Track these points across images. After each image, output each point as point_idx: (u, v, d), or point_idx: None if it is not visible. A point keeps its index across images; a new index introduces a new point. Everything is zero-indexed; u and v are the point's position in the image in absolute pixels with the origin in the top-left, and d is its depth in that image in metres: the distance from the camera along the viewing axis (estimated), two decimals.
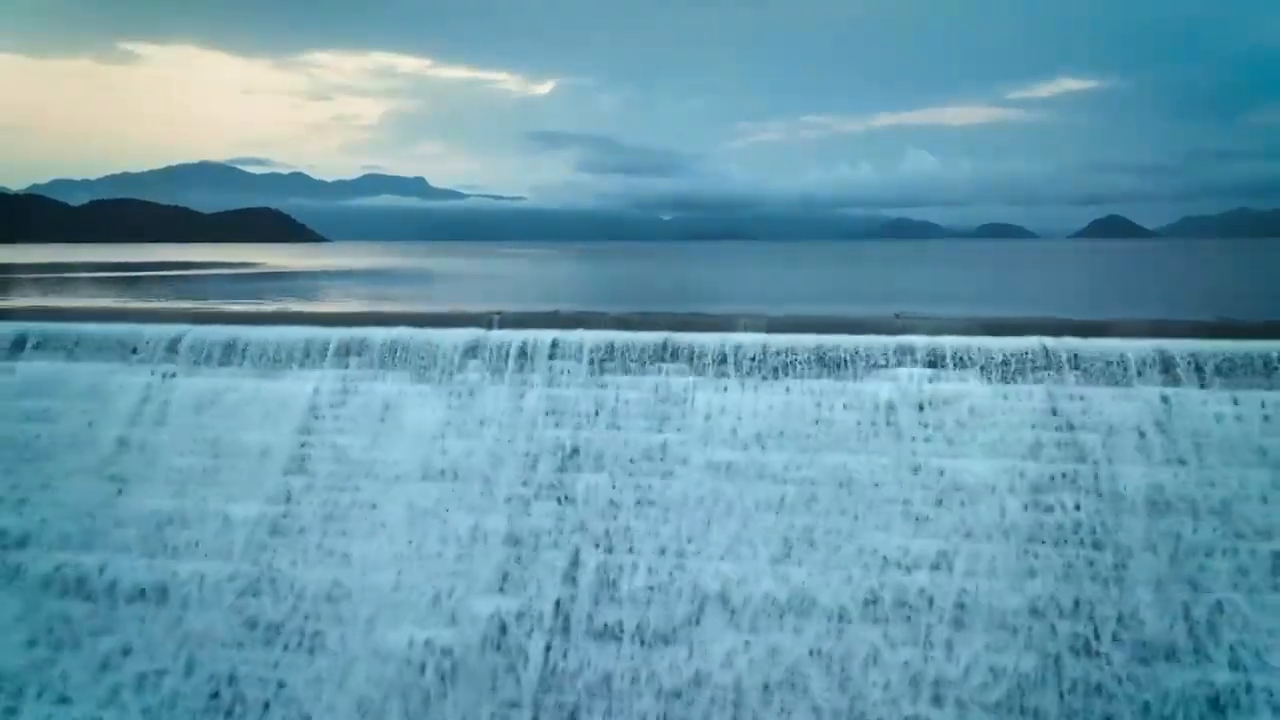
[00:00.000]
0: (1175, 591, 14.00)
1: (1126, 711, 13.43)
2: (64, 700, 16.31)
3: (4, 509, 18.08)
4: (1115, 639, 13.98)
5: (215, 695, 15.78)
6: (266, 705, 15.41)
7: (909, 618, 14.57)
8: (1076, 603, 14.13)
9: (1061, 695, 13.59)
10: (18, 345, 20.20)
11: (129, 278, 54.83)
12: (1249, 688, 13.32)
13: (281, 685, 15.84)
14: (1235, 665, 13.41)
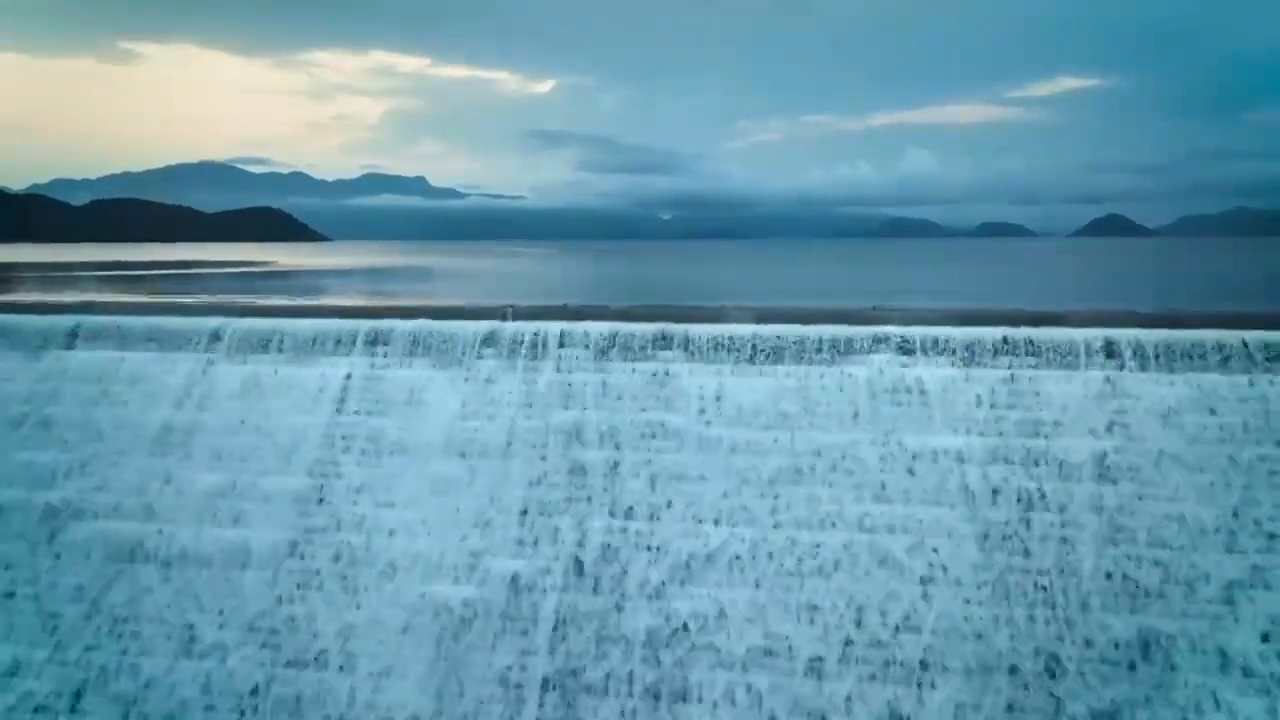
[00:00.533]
0: (1112, 546, 15.88)
1: (1070, 649, 15.30)
2: (125, 651, 18.19)
3: (65, 483, 19.97)
4: (1062, 590, 15.85)
5: (264, 646, 17.67)
6: (317, 656, 17.29)
7: (884, 572, 16.45)
8: (1027, 553, 16.02)
9: (1011, 636, 15.47)
10: (71, 336, 22.11)
11: (147, 276, 56.71)
12: (1172, 632, 15.19)
13: (315, 636, 17.73)
14: (1163, 610, 15.28)
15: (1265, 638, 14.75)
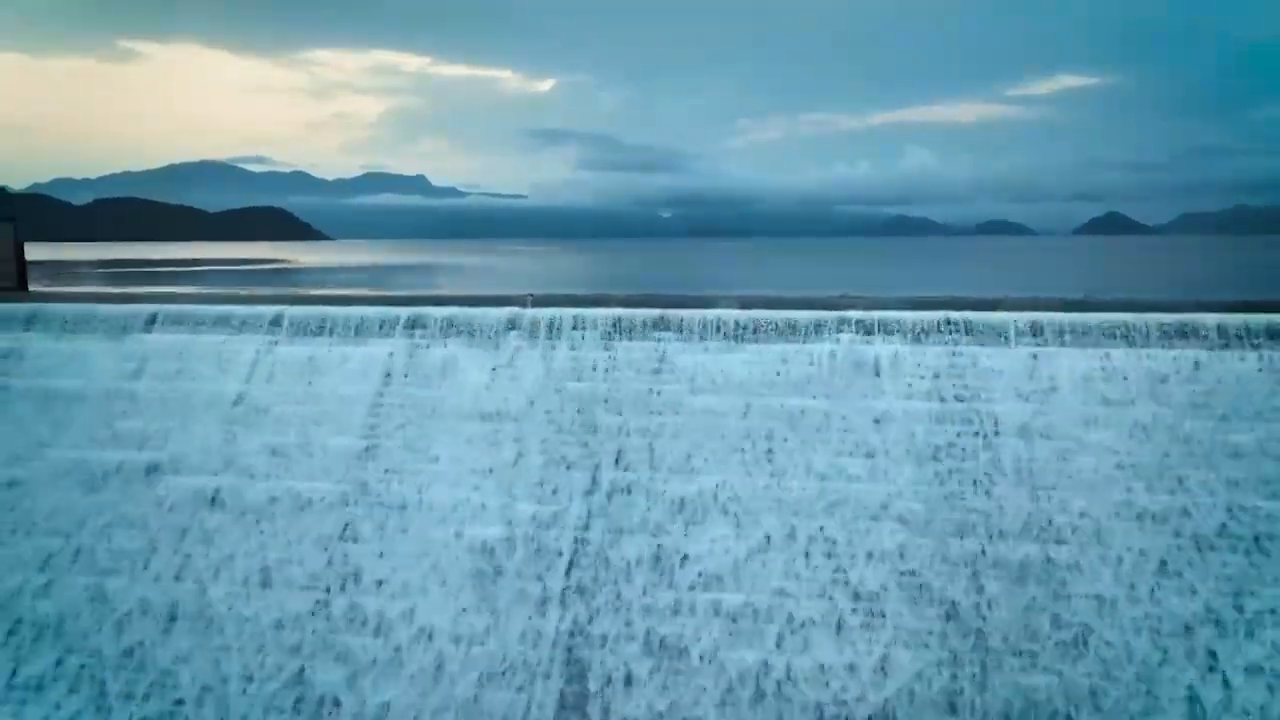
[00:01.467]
0: (1029, 490, 19.34)
1: (991, 572, 18.75)
2: (203, 590, 21.60)
3: (151, 445, 23.43)
4: (987, 528, 19.30)
5: (325, 575, 21.11)
6: (378, 583, 20.75)
7: (847, 511, 19.89)
8: (961, 496, 19.48)
9: (945, 558, 18.92)
10: (150, 321, 25.61)
11: (177, 273, 60.22)
12: (1078, 561, 18.64)
13: (357, 576, 21.16)
14: (1066, 539, 18.74)
15: (1130, 548, 18.20)
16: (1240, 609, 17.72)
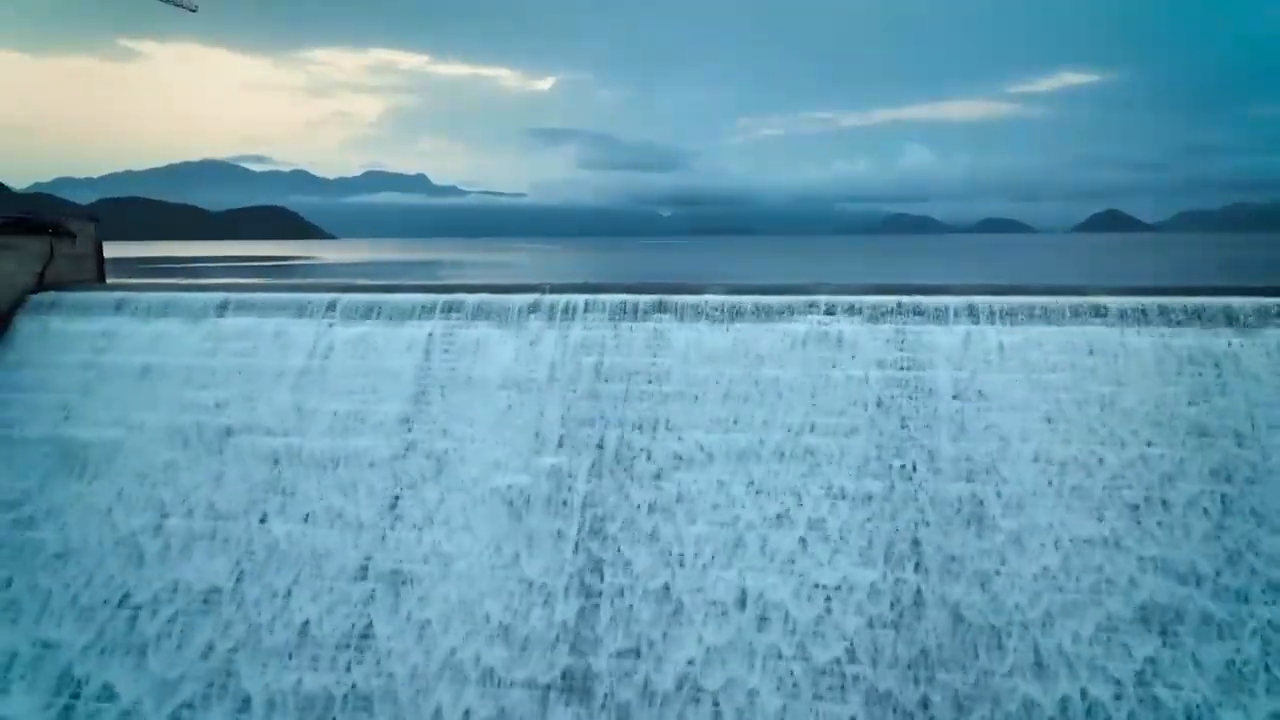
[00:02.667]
0: (961, 443, 23.61)
1: (933, 513, 23.01)
2: (271, 529, 25.86)
3: (228, 411, 27.72)
4: (929, 469, 23.56)
5: (381, 520, 25.39)
6: (425, 520, 25.04)
7: (812, 458, 24.15)
8: (901, 448, 23.77)
9: (888, 499, 23.21)
10: (221, 308, 29.92)
11: (198, 268, 64.43)
12: (999, 495, 22.90)
13: (406, 516, 25.44)
14: (984, 471, 23.01)
15: (1050, 483, 22.49)
16: (1138, 521, 21.99)
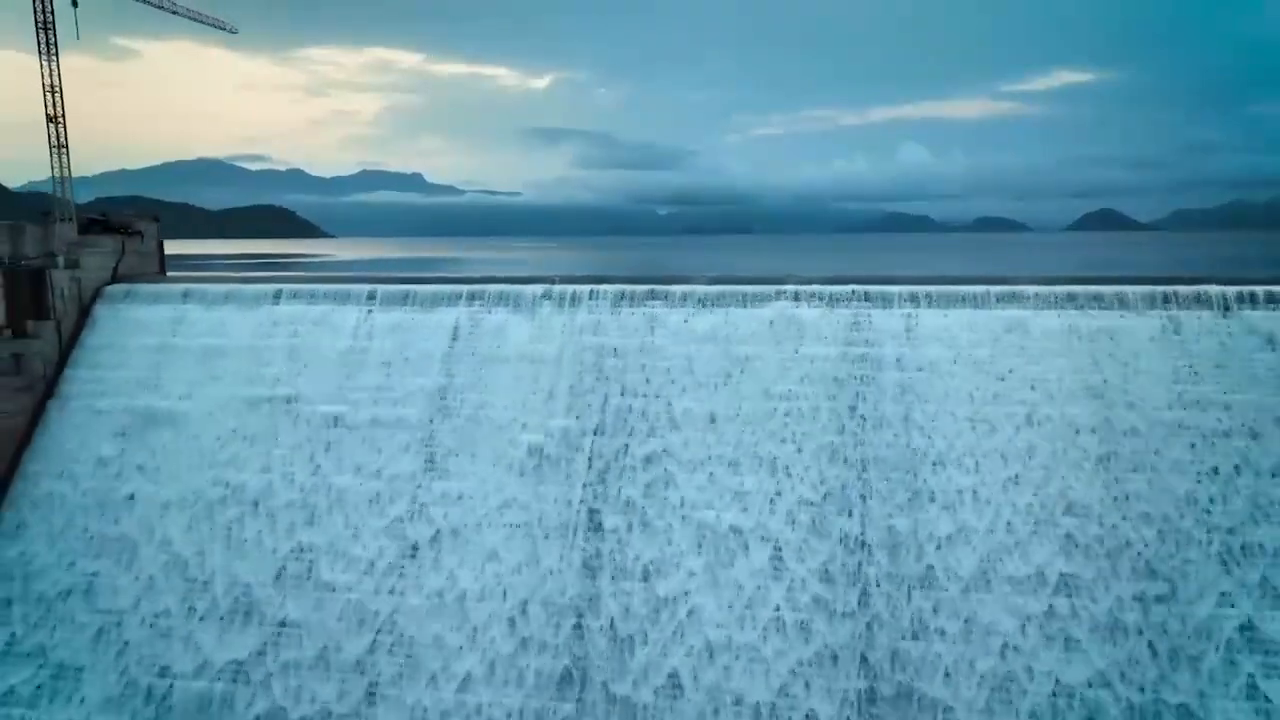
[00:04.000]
0: (902, 405, 28.55)
1: (869, 445, 27.93)
2: (328, 479, 30.69)
3: (286, 382, 32.52)
4: (875, 423, 28.48)
5: (417, 473, 30.24)
6: (455, 471, 29.91)
7: (784, 419, 29.03)
8: (854, 408, 28.69)
9: (841, 449, 28.14)
10: (276, 296, 34.76)
11: (214, 264, 69.19)
12: (930, 440, 27.82)
13: (449, 466, 30.30)
14: (923, 431, 27.94)
15: (972, 428, 27.42)
16: (1040, 459, 26.95)
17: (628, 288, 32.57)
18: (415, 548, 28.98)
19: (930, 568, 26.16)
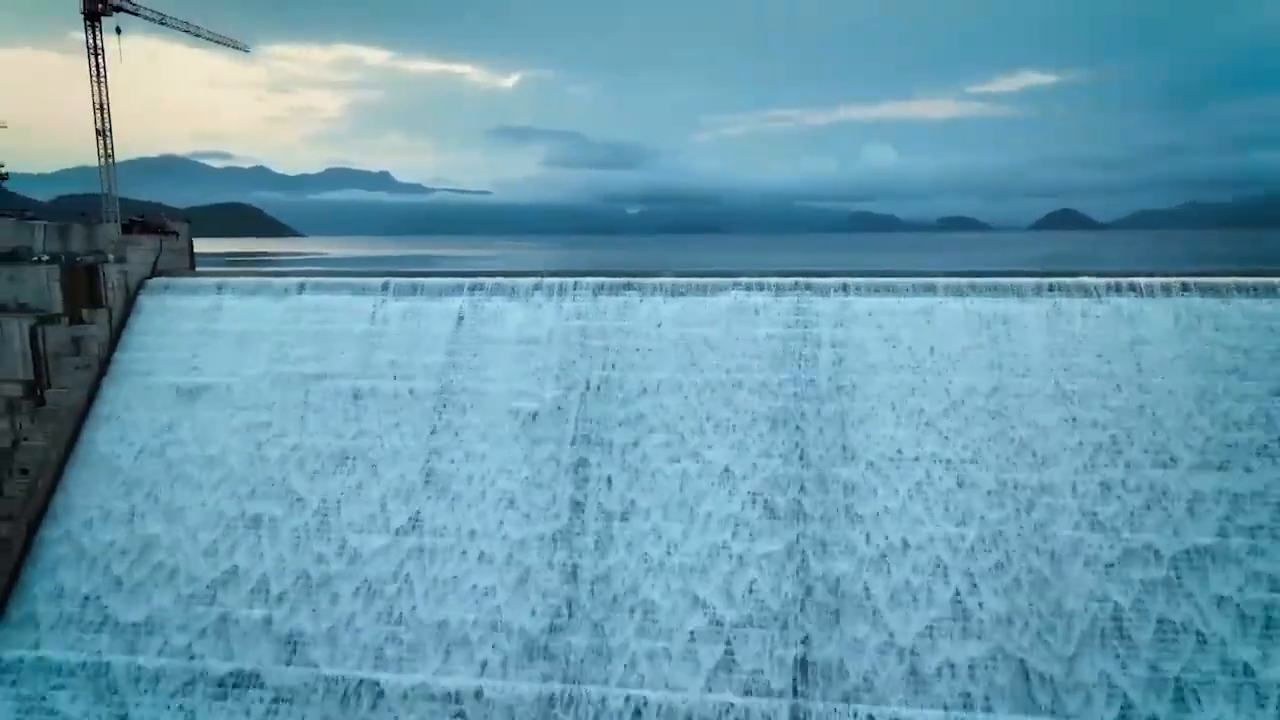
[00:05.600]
0: (834, 376, 34.56)
1: (813, 417, 33.90)
2: (351, 440, 36.07)
3: (311, 361, 37.81)
4: (812, 391, 34.44)
5: (426, 438, 35.70)
6: (458, 434, 35.43)
7: (737, 385, 34.91)
8: (796, 379, 34.66)
9: (785, 412, 34.08)
10: (300, 288, 40.05)
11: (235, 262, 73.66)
12: (855, 403, 33.86)
13: (454, 432, 35.81)
14: (849, 392, 33.96)
15: (890, 398, 33.50)
16: (946, 422, 33.06)
17: (607, 280, 38.35)
18: (428, 495, 34.51)
19: (854, 506, 32.20)
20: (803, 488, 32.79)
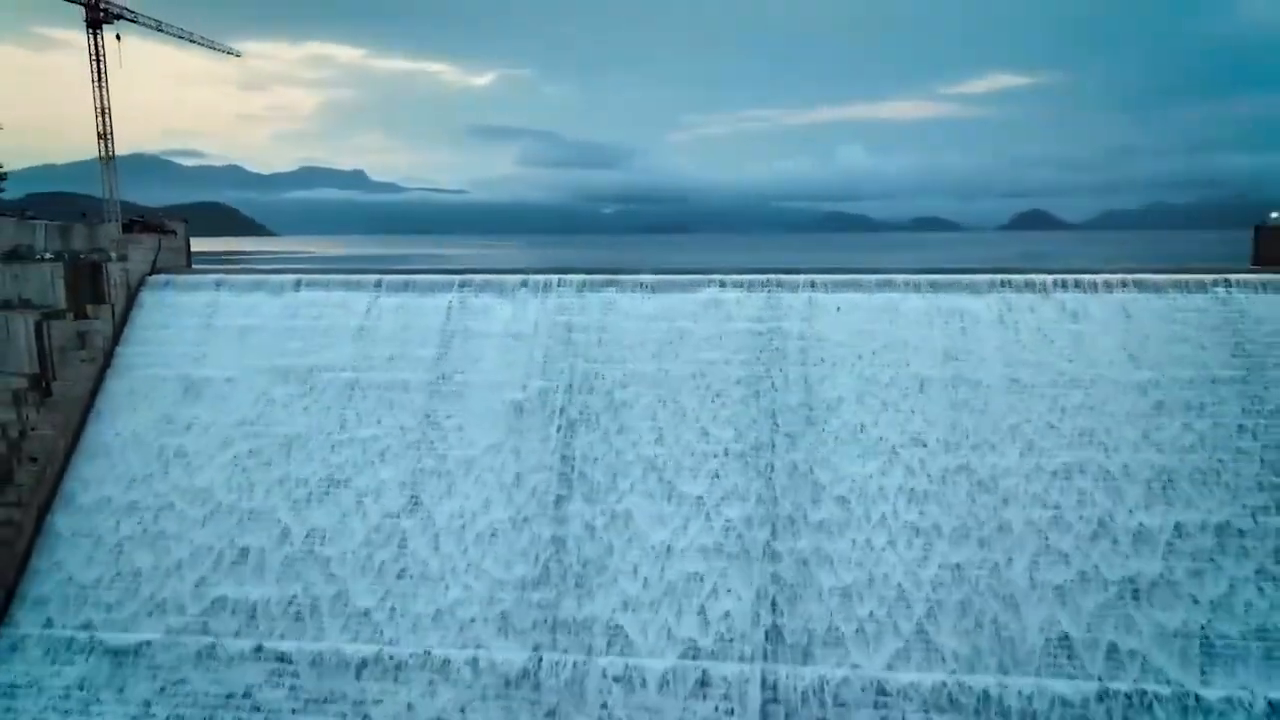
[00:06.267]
0: (802, 366, 37.12)
1: (783, 407, 36.45)
2: (351, 426, 38.13)
3: (308, 356, 39.80)
4: (782, 381, 36.96)
5: (419, 422, 37.83)
6: (449, 418, 37.61)
7: (709, 372, 37.36)
8: (768, 371, 37.18)
9: (756, 400, 36.60)
10: (297, 285, 42.02)
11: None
12: (822, 393, 36.44)
13: (438, 421, 37.99)
14: (814, 380, 36.53)
15: (854, 386, 36.11)
16: (908, 405, 35.71)
17: (589, 277, 40.69)
18: (422, 479, 36.67)
19: (818, 481, 34.79)
20: (773, 469, 35.31)
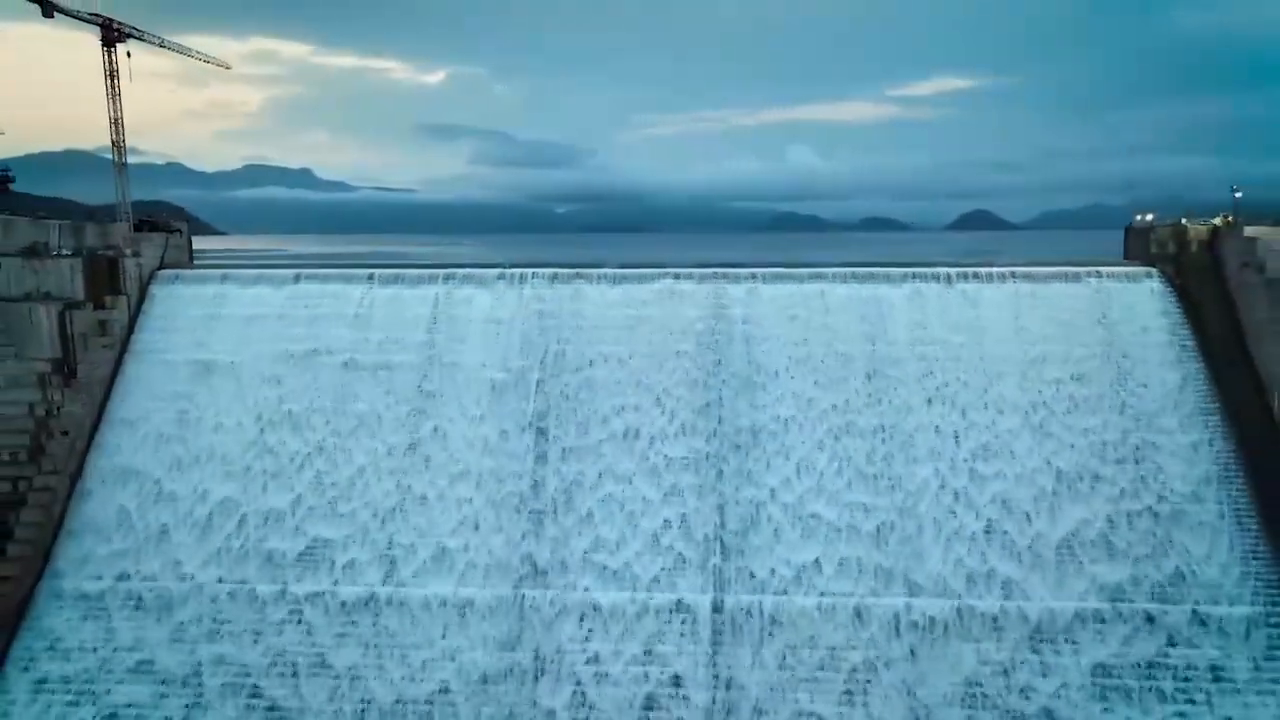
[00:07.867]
0: (746, 349, 43.19)
1: (729, 383, 42.46)
2: (349, 405, 43.20)
3: (308, 341, 44.75)
4: (727, 363, 42.97)
5: (414, 399, 43.07)
6: (438, 395, 42.94)
7: (666, 360, 43.23)
8: (715, 353, 43.18)
9: (705, 380, 42.58)
10: (296, 278, 46.96)
11: None
12: (762, 373, 42.54)
13: (437, 395, 43.30)
14: (759, 361, 42.64)
15: (789, 368, 42.30)
16: (834, 384, 42.02)
17: (560, 270, 46.40)
18: (414, 448, 41.95)
19: (764, 445, 40.95)
20: (721, 437, 41.34)
